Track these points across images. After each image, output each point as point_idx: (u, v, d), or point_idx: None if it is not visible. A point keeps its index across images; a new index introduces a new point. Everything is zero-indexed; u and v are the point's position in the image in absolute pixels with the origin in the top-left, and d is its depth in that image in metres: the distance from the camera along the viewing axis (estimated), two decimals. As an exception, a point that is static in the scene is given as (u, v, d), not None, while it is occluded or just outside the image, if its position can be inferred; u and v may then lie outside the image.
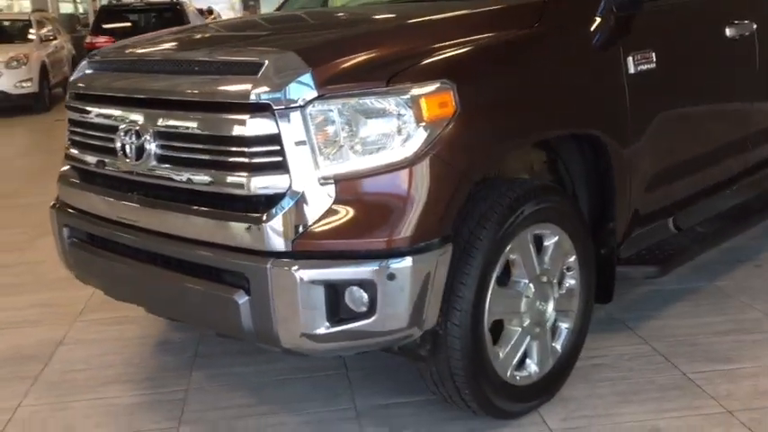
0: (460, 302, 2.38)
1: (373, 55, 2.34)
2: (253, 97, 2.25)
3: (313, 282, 2.21)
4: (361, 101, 2.23)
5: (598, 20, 2.80)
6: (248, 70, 2.31)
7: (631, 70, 2.85)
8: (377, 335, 2.27)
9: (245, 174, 2.28)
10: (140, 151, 2.52)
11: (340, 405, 2.82)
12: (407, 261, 2.20)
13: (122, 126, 2.59)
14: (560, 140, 2.87)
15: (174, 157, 2.46)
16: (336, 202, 2.23)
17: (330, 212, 2.23)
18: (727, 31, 3.39)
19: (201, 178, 2.38)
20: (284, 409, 2.82)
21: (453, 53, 2.39)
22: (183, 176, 2.44)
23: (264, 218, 2.24)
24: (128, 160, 2.57)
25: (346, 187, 2.23)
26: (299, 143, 2.22)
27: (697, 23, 3.31)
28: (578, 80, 2.70)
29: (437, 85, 2.26)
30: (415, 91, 2.23)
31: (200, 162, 2.39)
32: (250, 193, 2.28)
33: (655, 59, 2.94)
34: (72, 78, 2.98)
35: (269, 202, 2.26)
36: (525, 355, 2.68)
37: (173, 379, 3.09)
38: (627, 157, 2.87)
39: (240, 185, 2.29)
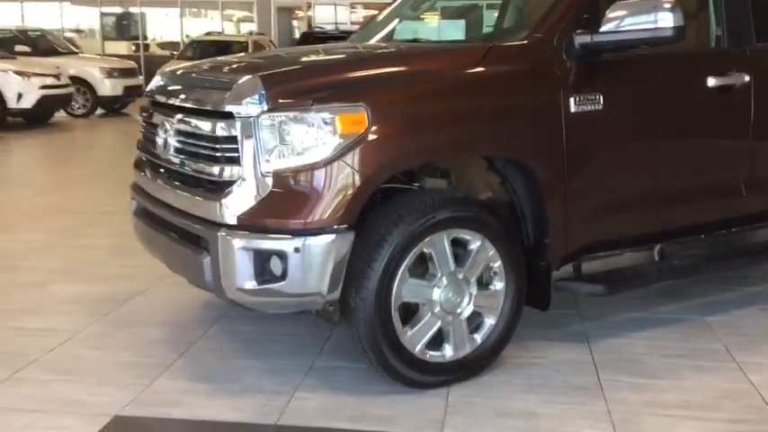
0: (367, 282, 2.98)
1: (312, 81, 3.03)
2: (223, 107, 3.02)
3: (245, 249, 2.92)
4: (293, 115, 2.91)
5: (539, 63, 3.28)
6: (226, 87, 3.08)
7: (573, 110, 3.29)
8: (288, 296, 2.94)
9: (214, 164, 3.06)
10: (166, 143, 3.38)
11: (301, 361, 3.49)
12: (311, 240, 2.86)
13: (159, 124, 3.46)
14: (505, 165, 3.36)
15: (179, 148, 3.28)
16: (272, 190, 2.93)
17: (266, 198, 2.93)
18: (711, 81, 3.68)
19: (192, 165, 3.19)
20: (257, 358, 3.54)
21: (379, 83, 3.03)
22: (183, 163, 3.26)
23: (221, 198, 2.99)
24: (158, 149, 3.44)
25: (279, 180, 2.92)
26: (249, 144, 2.95)
27: (669, 73, 3.63)
28: (504, 112, 3.18)
29: (353, 106, 2.90)
30: (333, 110, 2.89)
31: (191, 153, 3.20)
32: (215, 179, 3.05)
33: (602, 102, 3.35)
34: (147, 87, 3.92)
35: (227, 186, 3.00)
36: (442, 338, 3.22)
37: (195, 329, 3.91)
38: (561, 184, 3.29)
39: (210, 172, 3.07)
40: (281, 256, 2.89)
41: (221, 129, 3.03)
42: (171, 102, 3.44)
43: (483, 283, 3.28)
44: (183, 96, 3.37)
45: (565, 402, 3.11)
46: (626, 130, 3.49)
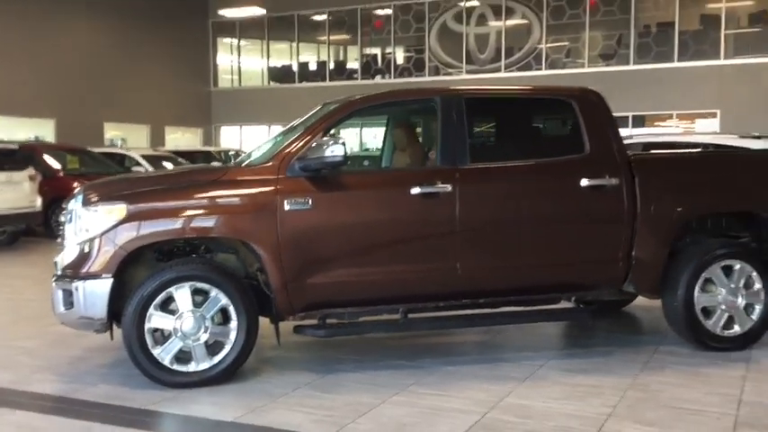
0: (128, 312, 4.82)
1: (107, 189, 5.06)
2: (66, 204, 5.11)
3: (57, 287, 4.94)
4: (90, 208, 4.91)
5: (263, 177, 5.01)
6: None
7: (286, 208, 4.95)
8: (78, 318, 4.88)
9: (62, 238, 5.13)
10: (63, 227, 5.53)
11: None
12: (82, 283, 4.80)
13: (66, 215, 5.63)
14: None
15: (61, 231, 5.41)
16: (76, 253, 4.92)
17: (74, 257, 4.93)
18: (414, 191, 5.12)
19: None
20: (116, 367, 5.44)
21: (138, 190, 4.96)
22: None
23: (58, 257, 5.04)
24: (62, 231, 5.60)
25: (79, 246, 4.91)
26: (71, 226, 4.99)
27: (372, 185, 5.20)
28: (226, 209, 4.94)
29: (117, 204, 4.85)
30: (108, 205, 4.86)
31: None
32: (60, 247, 5.11)
33: (311, 203, 4.97)
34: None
35: (62, 251, 5.05)
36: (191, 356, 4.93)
37: (105, 351, 5.90)
38: (277, 259, 4.92)
39: (58, 243, 5.14)
40: (71, 292, 4.85)
41: (65, 216, 5.11)
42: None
43: (226, 320, 4.98)
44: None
45: (230, 399, 4.71)
46: (331, 224, 5.06)
